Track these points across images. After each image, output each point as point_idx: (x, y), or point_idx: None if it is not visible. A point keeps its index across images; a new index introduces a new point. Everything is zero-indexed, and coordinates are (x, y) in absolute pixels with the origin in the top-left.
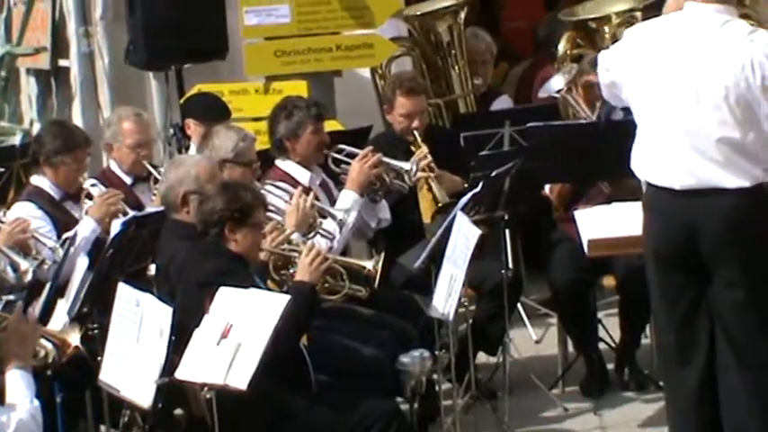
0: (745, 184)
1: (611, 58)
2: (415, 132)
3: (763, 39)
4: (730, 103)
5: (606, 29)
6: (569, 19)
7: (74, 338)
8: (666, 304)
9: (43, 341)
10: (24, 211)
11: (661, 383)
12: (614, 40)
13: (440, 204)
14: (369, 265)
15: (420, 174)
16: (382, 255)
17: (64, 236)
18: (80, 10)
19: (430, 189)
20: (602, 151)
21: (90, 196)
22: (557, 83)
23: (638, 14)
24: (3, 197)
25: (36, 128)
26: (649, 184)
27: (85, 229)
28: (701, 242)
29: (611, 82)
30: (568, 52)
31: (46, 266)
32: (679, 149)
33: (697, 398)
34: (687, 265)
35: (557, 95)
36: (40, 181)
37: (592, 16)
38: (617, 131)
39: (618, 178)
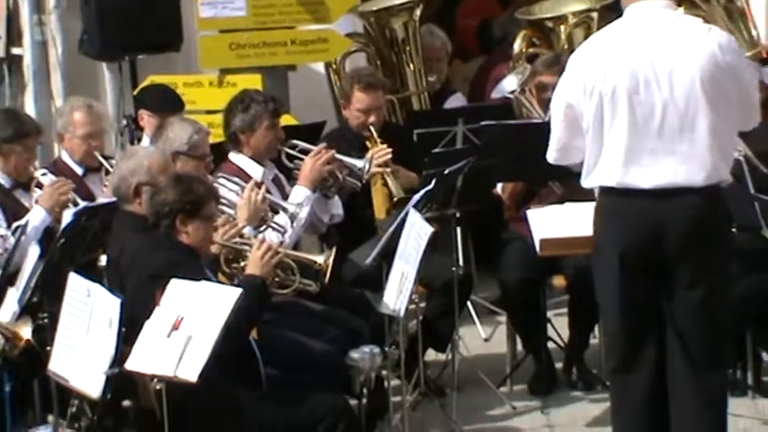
0: (712, 182)
1: (571, 92)
2: (371, 128)
3: (716, 28)
4: (707, 89)
5: (562, 28)
6: (526, 18)
7: (25, 332)
8: (620, 308)
9: None
10: None
11: (608, 383)
12: (570, 40)
13: (395, 199)
14: (320, 260)
15: (376, 169)
16: (334, 250)
17: (14, 224)
18: None
19: (385, 184)
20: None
21: (40, 185)
22: (509, 83)
23: (595, 15)
24: None
25: None
26: (610, 191)
27: (36, 218)
28: (667, 242)
29: (574, 115)
30: (523, 51)
31: None
32: (650, 148)
33: (645, 403)
34: (650, 268)
35: (510, 96)
36: None
37: (548, 15)
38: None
39: (569, 179)
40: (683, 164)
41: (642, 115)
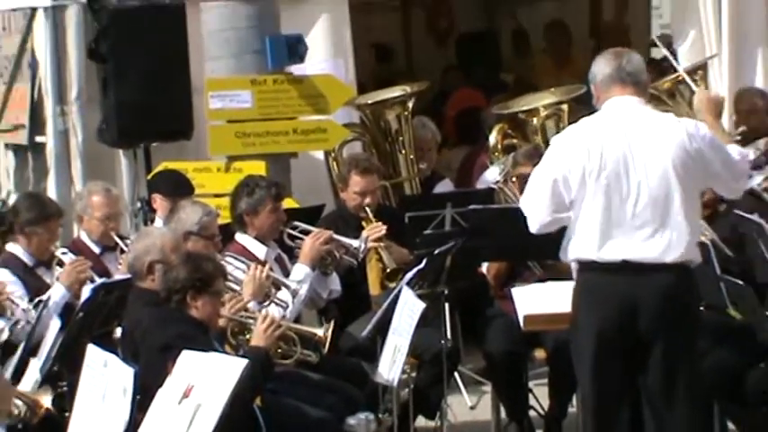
0: (684, 259)
1: (558, 170)
2: (367, 209)
3: (685, 119)
4: (679, 174)
5: (535, 120)
6: (501, 112)
7: (46, 400)
8: (600, 381)
9: (16, 401)
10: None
11: None
12: (543, 130)
13: (388, 270)
14: (319, 332)
15: (372, 244)
16: (332, 323)
17: (37, 299)
18: (57, 90)
19: (380, 259)
20: (534, 234)
21: (61, 263)
22: (492, 174)
23: (565, 107)
24: None
25: (12, 199)
26: (587, 266)
27: (57, 294)
28: (642, 318)
29: (559, 190)
30: (500, 143)
31: (19, 327)
32: (625, 227)
33: None
34: (626, 344)
35: (494, 186)
36: (14, 248)
37: (522, 108)
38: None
39: (548, 259)
40: (656, 241)
41: (619, 197)
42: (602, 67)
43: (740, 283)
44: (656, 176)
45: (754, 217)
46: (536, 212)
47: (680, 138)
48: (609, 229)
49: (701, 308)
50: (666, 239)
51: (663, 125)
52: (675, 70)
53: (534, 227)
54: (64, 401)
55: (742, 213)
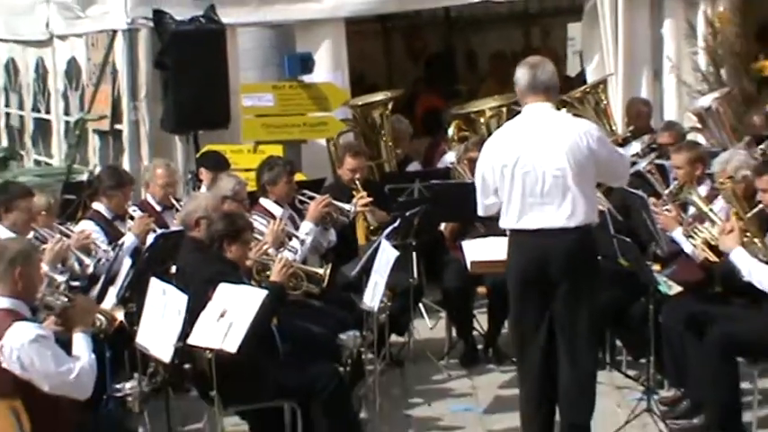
0: (581, 224)
1: (492, 158)
2: (357, 182)
3: (582, 121)
4: (571, 164)
5: (482, 119)
6: (457, 112)
7: (120, 316)
8: (522, 312)
9: (99, 316)
10: (87, 226)
11: (514, 360)
12: (488, 127)
13: (371, 227)
14: (320, 271)
15: (359, 208)
16: (330, 265)
17: (114, 243)
18: (130, 91)
19: (365, 219)
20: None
21: (132, 218)
22: (449, 157)
23: (504, 109)
24: (73, 216)
25: (97, 170)
26: (514, 231)
27: (128, 240)
28: (551, 266)
29: (485, 178)
30: (456, 135)
31: (101, 263)
32: (537, 201)
33: (539, 371)
34: (541, 284)
35: (450, 167)
36: (98, 206)
37: (473, 110)
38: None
39: (489, 220)
40: (559, 213)
41: (530, 182)
42: (521, 75)
43: (627, 240)
44: (557, 165)
45: (639, 192)
46: (479, 201)
47: (575, 136)
48: (525, 207)
49: (598, 258)
50: (568, 211)
51: (564, 126)
52: (585, 83)
53: (480, 211)
54: (133, 318)
55: (630, 189)
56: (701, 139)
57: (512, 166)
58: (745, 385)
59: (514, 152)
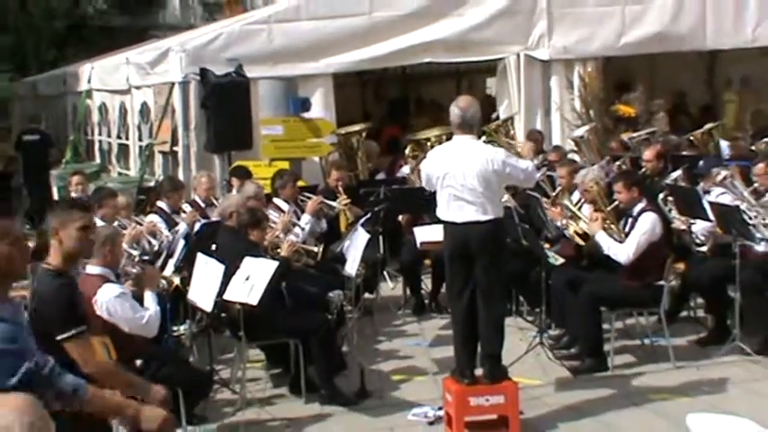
0: (490, 218)
1: (430, 170)
2: (340, 188)
3: (492, 148)
4: (483, 176)
5: (428, 143)
6: (411, 138)
7: (176, 280)
8: (452, 277)
9: (162, 280)
10: (153, 218)
11: (449, 310)
12: (432, 148)
13: (350, 221)
14: (315, 249)
15: (342, 207)
16: (322, 246)
17: (172, 230)
18: (184, 123)
19: (346, 213)
20: (424, 199)
21: (185, 212)
22: (406, 170)
23: (444, 137)
24: (144, 211)
25: (161, 179)
26: (446, 222)
27: (182, 227)
28: (471, 246)
29: (428, 180)
30: (410, 154)
31: (164, 244)
32: (460, 203)
33: (465, 317)
34: (464, 258)
35: (406, 176)
36: (161, 204)
37: (422, 137)
38: (430, 192)
39: (432, 213)
40: (476, 211)
41: (455, 191)
42: (453, 112)
43: (527, 226)
44: (472, 181)
45: (535, 194)
46: (425, 186)
47: (484, 161)
48: (452, 207)
49: (507, 239)
50: (480, 210)
51: (479, 151)
52: (498, 119)
53: (428, 191)
54: (186, 282)
55: (529, 192)
56: (577, 158)
57: (442, 178)
58: (605, 326)
59: (444, 168)
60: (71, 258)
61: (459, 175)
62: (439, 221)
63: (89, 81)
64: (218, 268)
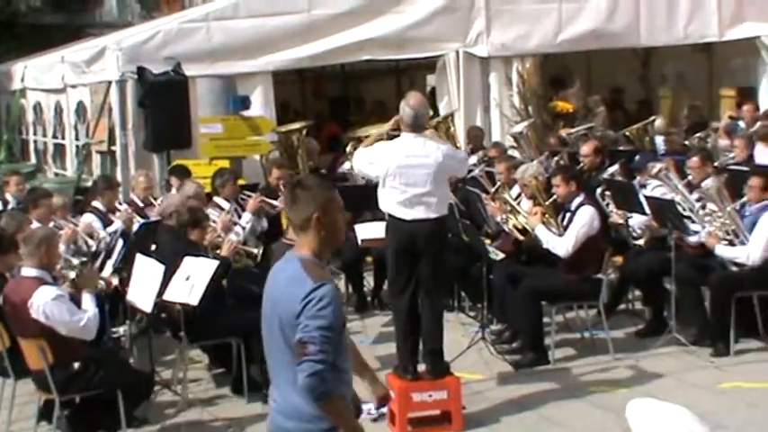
0: (437, 215)
1: (374, 158)
2: (281, 185)
3: (442, 145)
4: (433, 175)
5: (367, 141)
6: (351, 135)
7: (115, 280)
8: (397, 274)
9: (100, 281)
10: (89, 217)
11: (391, 306)
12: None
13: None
14: (255, 251)
15: (283, 204)
16: (263, 246)
17: (108, 230)
18: (121, 123)
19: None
20: (365, 196)
21: (120, 210)
22: (346, 166)
23: (385, 135)
24: (82, 211)
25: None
26: (394, 218)
27: (117, 224)
28: (416, 244)
29: (370, 167)
30: (351, 151)
31: (102, 243)
32: (409, 200)
33: (408, 314)
34: (409, 254)
35: (347, 172)
36: (96, 203)
37: (362, 134)
38: (373, 189)
39: (375, 211)
40: (424, 209)
41: (403, 185)
42: (405, 111)
43: (468, 222)
44: (422, 176)
45: (476, 190)
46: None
47: (435, 154)
48: (403, 204)
49: (449, 236)
50: (429, 208)
51: (426, 147)
52: (438, 116)
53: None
54: (125, 283)
55: (469, 188)
56: (516, 153)
57: (393, 176)
58: (546, 320)
59: (394, 166)
60: None
61: (409, 173)
62: (379, 219)
63: (23, 80)
64: (158, 268)
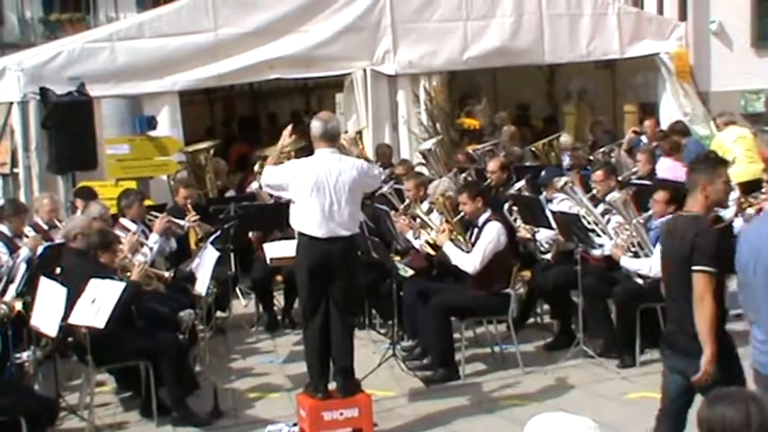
0: (349, 234)
1: (287, 175)
2: (189, 205)
3: (358, 162)
4: (349, 193)
5: (269, 159)
6: (260, 155)
7: (18, 305)
8: (309, 293)
9: (2, 306)
10: None
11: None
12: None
13: (200, 237)
14: (166, 274)
15: (191, 224)
16: (173, 270)
17: (14, 255)
18: (24, 144)
19: (195, 231)
20: (275, 215)
21: (27, 236)
22: (255, 185)
23: (293, 153)
24: None
25: (1, 202)
26: (308, 237)
27: (24, 253)
28: (330, 262)
29: (281, 185)
30: (259, 170)
31: (3, 269)
32: (325, 218)
33: (319, 332)
34: (321, 274)
35: (255, 191)
36: (2, 227)
37: (269, 153)
38: (283, 208)
39: (284, 229)
40: (337, 227)
41: (320, 202)
42: (314, 125)
43: (377, 240)
44: (337, 193)
45: (384, 207)
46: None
47: (350, 172)
48: (316, 221)
49: (359, 253)
50: (343, 226)
51: (342, 164)
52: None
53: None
54: (28, 307)
55: (377, 205)
56: (425, 170)
57: (309, 193)
58: (456, 335)
59: (310, 183)
60: None
61: (325, 191)
62: (289, 237)
63: None
64: (62, 292)
